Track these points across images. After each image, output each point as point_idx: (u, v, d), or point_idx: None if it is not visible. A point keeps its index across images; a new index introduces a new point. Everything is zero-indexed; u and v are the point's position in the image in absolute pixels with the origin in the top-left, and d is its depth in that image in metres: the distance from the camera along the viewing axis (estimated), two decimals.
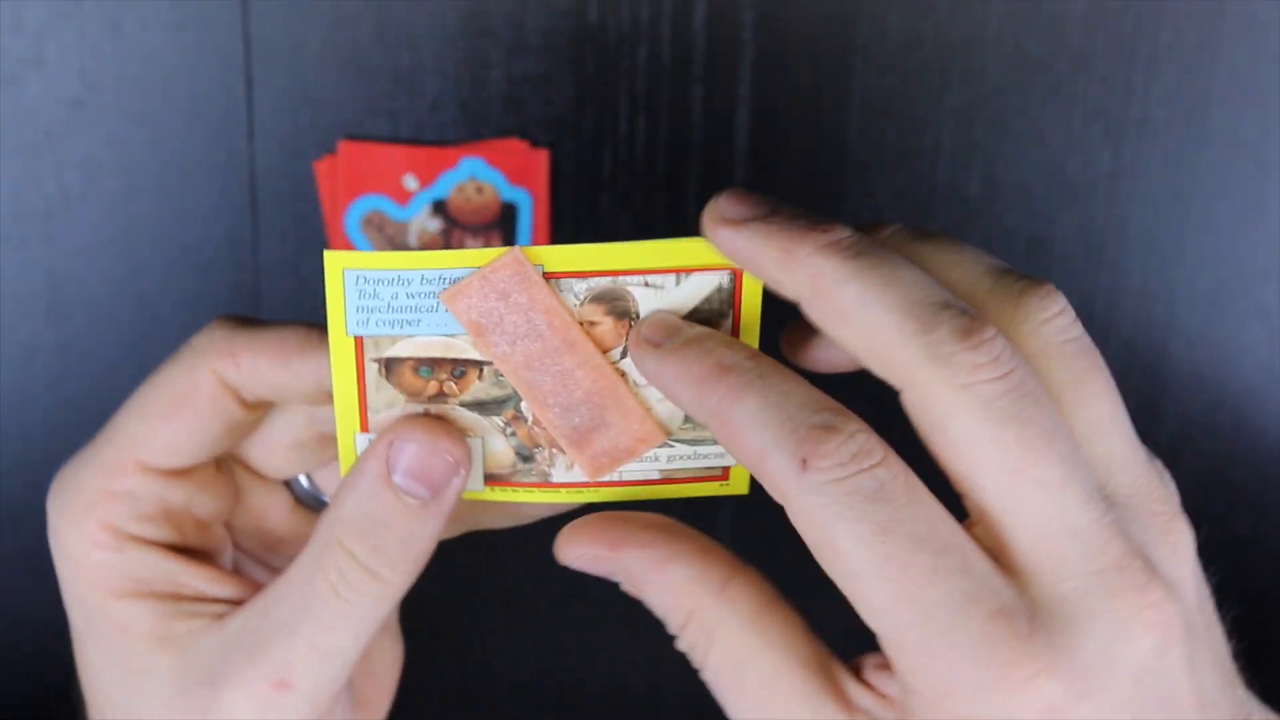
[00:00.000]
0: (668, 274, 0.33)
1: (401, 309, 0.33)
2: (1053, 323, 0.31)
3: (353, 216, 0.56)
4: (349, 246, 0.56)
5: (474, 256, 0.33)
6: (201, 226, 0.56)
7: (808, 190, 0.57)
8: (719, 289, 0.33)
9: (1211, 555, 0.63)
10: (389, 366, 0.34)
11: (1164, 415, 0.60)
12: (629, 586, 0.34)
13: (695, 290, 0.34)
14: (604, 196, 0.56)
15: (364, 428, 0.35)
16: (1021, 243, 0.58)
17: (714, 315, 0.34)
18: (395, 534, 0.34)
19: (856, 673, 0.33)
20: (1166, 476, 0.33)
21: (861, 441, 0.29)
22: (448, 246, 0.56)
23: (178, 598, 0.37)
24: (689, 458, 0.35)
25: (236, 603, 0.37)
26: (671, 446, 0.35)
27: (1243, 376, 0.59)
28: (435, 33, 0.54)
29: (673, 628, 0.34)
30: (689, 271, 0.33)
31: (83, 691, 0.39)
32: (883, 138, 0.56)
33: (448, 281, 0.33)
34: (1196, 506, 0.61)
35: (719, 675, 0.33)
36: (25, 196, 0.55)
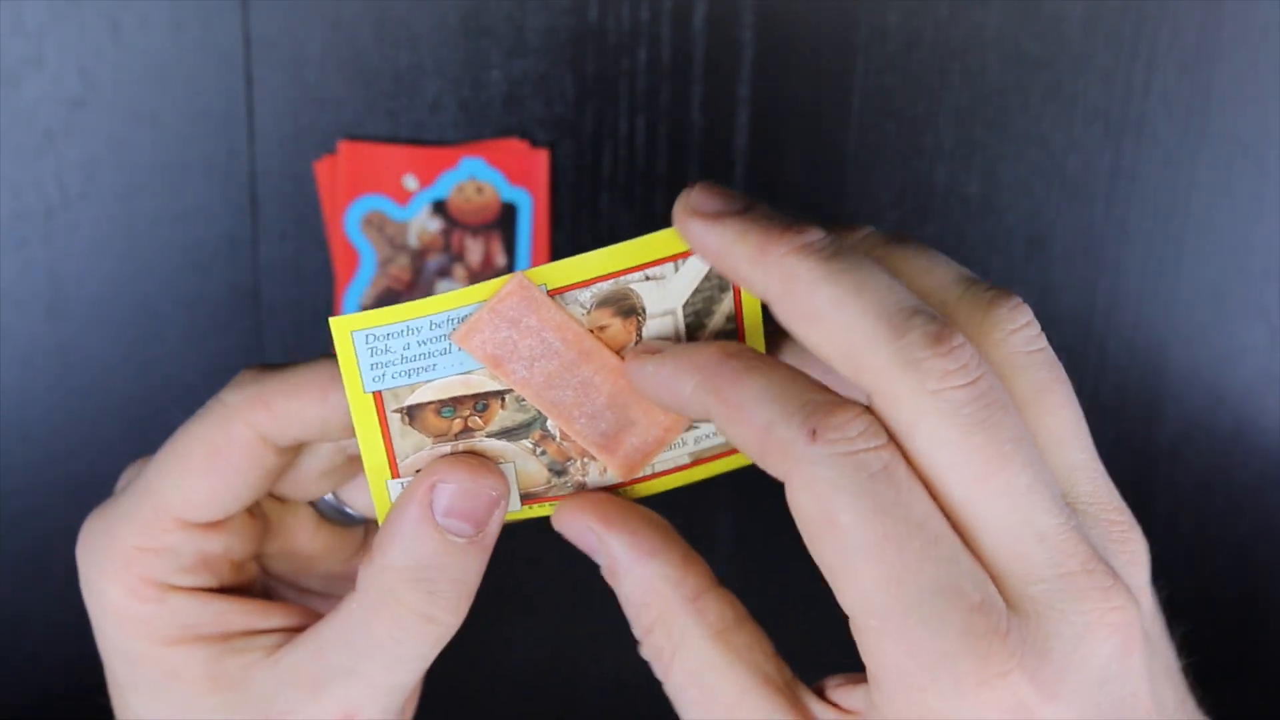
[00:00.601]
0: (666, 263, 0.33)
1: (415, 357, 0.33)
2: (1020, 333, 0.31)
3: (353, 216, 0.56)
4: (349, 246, 0.56)
5: (477, 291, 0.33)
6: (201, 226, 0.56)
7: (808, 190, 0.57)
8: None
9: (1211, 555, 0.63)
10: (411, 414, 0.34)
11: (1164, 415, 0.60)
12: (608, 572, 0.34)
13: (694, 273, 0.34)
14: (604, 196, 0.56)
15: (395, 475, 0.35)
16: (1021, 243, 0.58)
17: (714, 290, 0.34)
18: (447, 576, 0.35)
19: (820, 693, 0.33)
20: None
21: (869, 421, 0.29)
22: (448, 247, 0.56)
23: (227, 636, 0.37)
24: (714, 434, 0.36)
25: (285, 630, 0.37)
26: (697, 428, 0.36)
27: (1243, 376, 0.59)
28: (435, 33, 0.54)
29: (638, 630, 0.34)
30: (686, 256, 0.34)
31: None
32: (883, 138, 0.56)
33: (456, 321, 0.33)
34: (1197, 506, 0.61)
35: (682, 688, 0.33)
36: (25, 196, 0.55)
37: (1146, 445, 0.60)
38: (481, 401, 0.34)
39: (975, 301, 0.31)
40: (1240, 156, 0.57)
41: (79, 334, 0.57)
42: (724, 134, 0.56)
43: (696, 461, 0.36)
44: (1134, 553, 0.31)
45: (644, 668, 0.53)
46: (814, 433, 0.29)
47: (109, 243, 0.56)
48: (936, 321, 0.29)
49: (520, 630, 0.62)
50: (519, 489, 0.36)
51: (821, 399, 0.29)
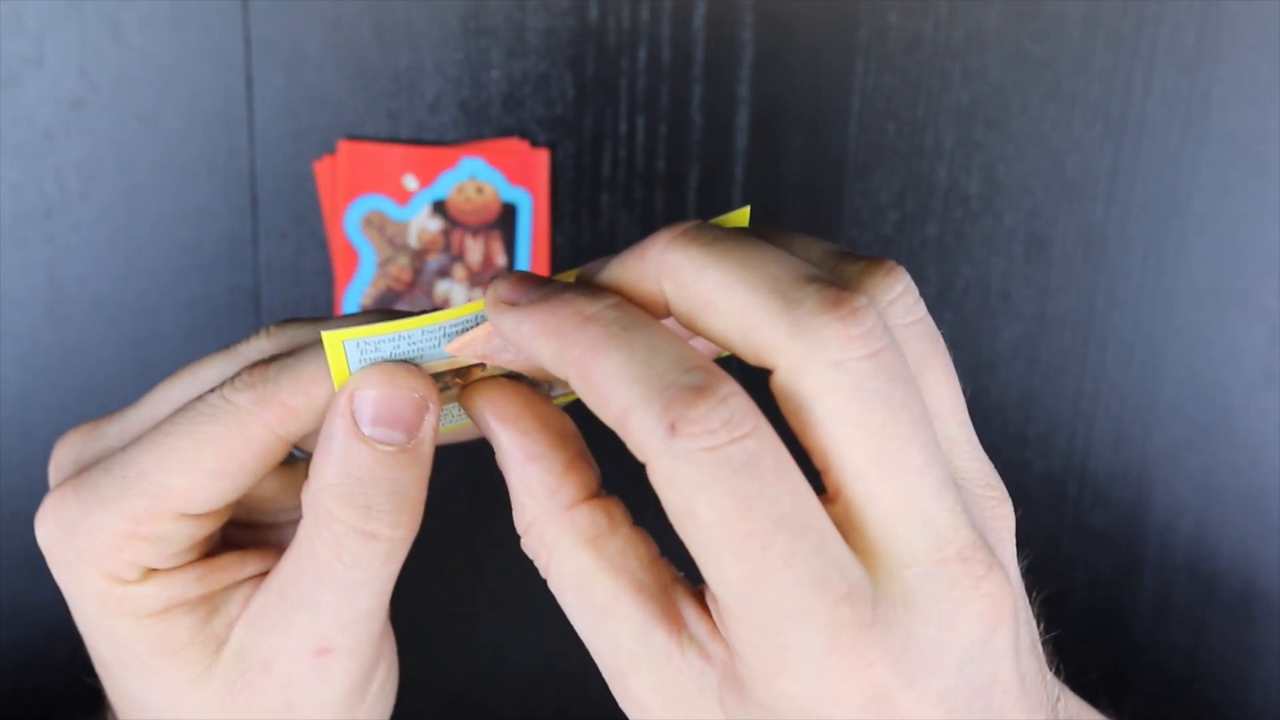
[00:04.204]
0: None
1: (403, 353, 0.33)
2: (898, 303, 0.30)
3: (353, 216, 0.56)
4: (349, 246, 0.56)
5: (463, 311, 0.33)
6: (201, 226, 0.56)
7: (808, 190, 0.57)
8: None
9: (1211, 555, 0.63)
10: None
11: (1163, 415, 0.60)
12: (498, 459, 0.33)
13: None
14: (604, 196, 0.56)
15: None
16: (1021, 243, 0.58)
17: None
18: (381, 489, 0.33)
19: (701, 596, 0.32)
20: None
21: (734, 407, 0.28)
22: (448, 247, 0.56)
23: (208, 598, 0.36)
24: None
25: (259, 576, 0.37)
26: None
27: (1243, 376, 0.59)
28: (435, 33, 0.54)
29: (517, 525, 0.33)
30: None
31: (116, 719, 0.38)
32: (883, 138, 0.56)
33: (446, 332, 0.33)
34: (1196, 507, 0.61)
35: (559, 591, 0.32)
36: (25, 196, 0.55)
37: (1146, 446, 0.60)
38: (463, 369, 0.34)
39: (848, 273, 0.30)
40: (1240, 156, 0.57)
41: (79, 334, 0.57)
42: (724, 134, 0.56)
43: None
44: (1003, 527, 0.31)
45: None
46: (673, 426, 0.27)
47: (109, 243, 0.56)
48: (834, 286, 0.28)
49: (516, 633, 0.62)
50: None
51: (685, 381, 0.28)
